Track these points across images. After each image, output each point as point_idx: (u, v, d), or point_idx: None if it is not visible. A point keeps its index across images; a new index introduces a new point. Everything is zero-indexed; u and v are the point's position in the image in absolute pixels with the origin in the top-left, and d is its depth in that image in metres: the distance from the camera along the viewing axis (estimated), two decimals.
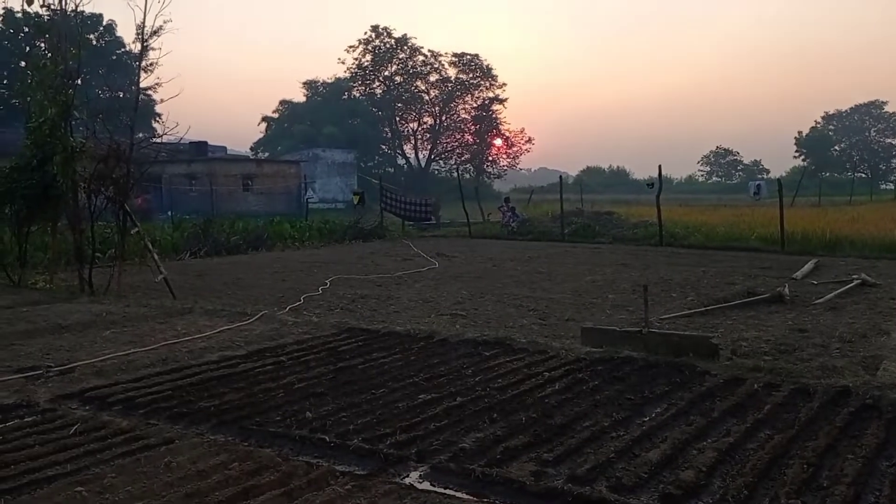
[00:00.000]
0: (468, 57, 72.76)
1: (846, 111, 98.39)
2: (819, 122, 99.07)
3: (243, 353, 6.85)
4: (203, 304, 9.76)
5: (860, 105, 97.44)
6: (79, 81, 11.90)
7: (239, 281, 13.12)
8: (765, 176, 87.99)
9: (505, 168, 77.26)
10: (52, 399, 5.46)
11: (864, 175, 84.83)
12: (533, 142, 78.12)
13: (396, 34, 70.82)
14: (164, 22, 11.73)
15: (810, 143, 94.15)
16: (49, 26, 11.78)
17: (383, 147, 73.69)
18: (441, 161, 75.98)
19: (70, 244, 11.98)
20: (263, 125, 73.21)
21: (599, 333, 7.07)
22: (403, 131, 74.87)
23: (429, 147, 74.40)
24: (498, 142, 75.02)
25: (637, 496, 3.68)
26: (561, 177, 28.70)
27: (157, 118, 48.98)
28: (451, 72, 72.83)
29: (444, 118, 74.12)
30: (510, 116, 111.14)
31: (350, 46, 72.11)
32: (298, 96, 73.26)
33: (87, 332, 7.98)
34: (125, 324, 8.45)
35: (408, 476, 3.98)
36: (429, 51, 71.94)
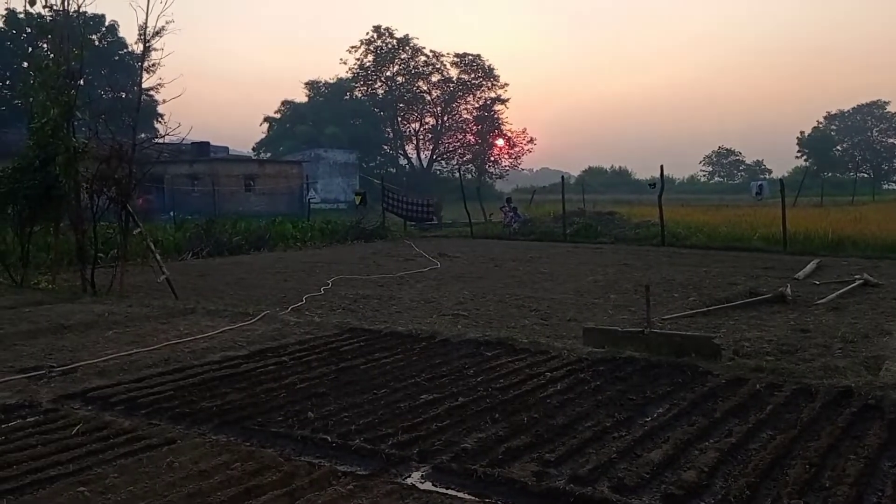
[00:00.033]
0: (470, 57, 72.89)
1: (848, 111, 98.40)
2: (821, 122, 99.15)
3: (245, 354, 6.86)
4: (205, 305, 9.77)
5: (862, 105, 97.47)
6: (81, 82, 11.90)
7: (241, 281, 13.13)
8: (767, 176, 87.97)
9: (507, 168, 77.39)
10: (55, 399, 5.47)
11: (866, 175, 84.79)
12: (535, 142, 78.36)
13: (398, 34, 70.97)
14: (167, 22, 11.78)
15: (812, 143, 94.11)
16: (51, 27, 11.81)
17: (385, 147, 73.77)
18: (443, 161, 76.11)
19: (72, 244, 11.99)
20: (265, 125, 73.41)
21: (601, 334, 7.07)
22: (405, 131, 75.00)
23: (431, 147, 74.50)
24: (500, 142, 75.17)
25: (639, 496, 3.67)
26: (563, 177, 28.72)
27: (160, 119, 48.97)
28: (453, 72, 73.01)
29: (445, 118, 74.21)
30: (512, 117, 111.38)
31: (352, 47, 72.33)
32: (300, 97, 73.49)
33: (90, 333, 7.99)
34: (127, 324, 8.46)
35: (409, 476, 3.98)
36: (431, 51, 72.14)
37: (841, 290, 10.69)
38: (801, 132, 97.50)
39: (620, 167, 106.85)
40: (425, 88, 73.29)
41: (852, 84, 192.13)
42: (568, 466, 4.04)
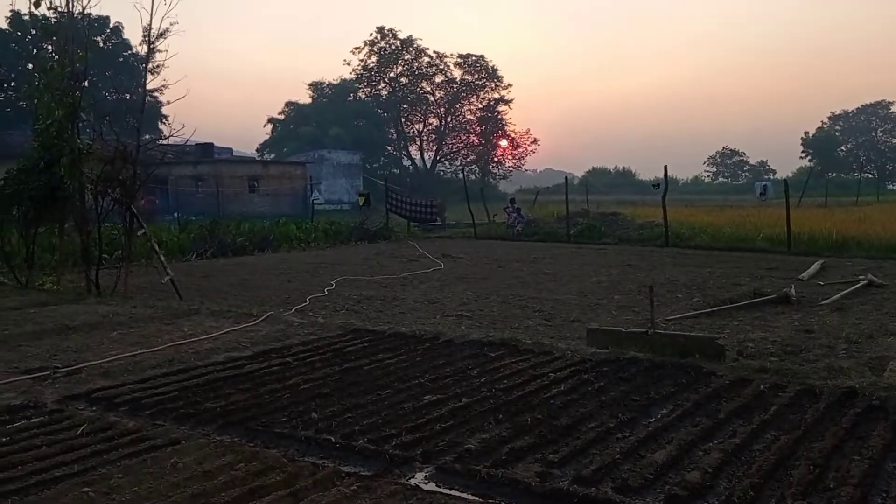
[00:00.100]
0: (473, 58, 72.88)
1: (853, 111, 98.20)
2: (825, 123, 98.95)
3: (249, 354, 6.87)
4: (209, 306, 9.78)
5: (867, 105, 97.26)
6: (86, 83, 11.95)
7: (245, 282, 13.15)
8: (771, 176, 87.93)
9: (510, 169, 77.38)
10: (60, 400, 5.49)
11: (870, 175, 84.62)
12: (538, 143, 78.28)
13: (402, 35, 70.99)
14: (171, 24, 11.82)
15: (817, 144, 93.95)
16: (56, 29, 11.84)
17: (389, 148, 73.82)
18: (446, 162, 76.11)
19: (77, 245, 12.03)
20: (269, 127, 73.50)
21: (605, 334, 7.07)
22: (409, 132, 74.99)
23: (434, 148, 74.50)
24: (503, 143, 75.13)
25: (643, 497, 3.67)
26: (566, 178, 28.68)
27: (164, 120, 49.29)
28: (457, 73, 73.00)
29: (449, 119, 74.20)
30: (515, 117, 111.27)
31: (356, 48, 72.36)
32: (304, 98, 73.54)
33: (94, 334, 8.01)
34: (132, 325, 8.47)
35: (413, 477, 3.98)
36: (434, 52, 72.13)
37: (845, 291, 10.67)
38: (806, 132, 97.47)
39: (624, 168, 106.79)
40: (429, 89, 73.30)
41: (856, 84, 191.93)
42: (571, 467, 4.04)
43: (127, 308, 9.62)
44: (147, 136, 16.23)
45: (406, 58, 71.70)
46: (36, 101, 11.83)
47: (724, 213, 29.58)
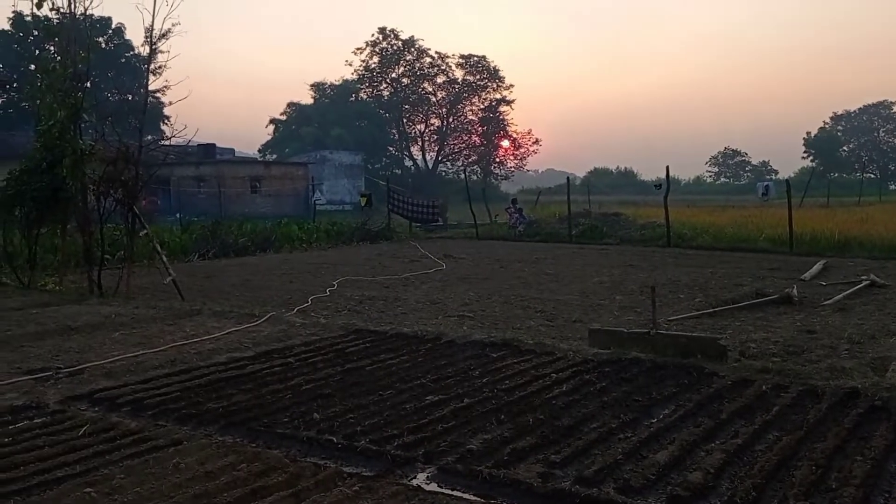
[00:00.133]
0: (475, 58, 72.87)
1: (855, 111, 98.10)
2: (828, 123, 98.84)
3: (251, 355, 6.88)
4: (211, 306, 9.79)
5: (869, 105, 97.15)
6: (88, 84, 11.97)
7: (247, 282, 13.16)
8: (773, 177, 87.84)
9: (512, 169, 77.37)
10: (62, 400, 5.49)
11: (873, 175, 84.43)
12: (540, 143, 78.20)
13: (403, 36, 71.02)
14: (173, 25, 11.86)
15: (819, 144, 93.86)
16: (58, 29, 11.85)
17: (391, 149, 73.83)
18: (448, 163, 76.10)
19: (79, 246, 12.04)
20: (271, 127, 73.58)
21: (607, 335, 7.07)
22: (411, 133, 75.00)
23: (436, 149, 74.52)
24: (505, 143, 75.10)
25: (645, 498, 3.67)
26: (568, 178, 28.71)
27: (166, 121, 49.32)
28: (459, 73, 73.00)
29: (451, 120, 74.21)
30: (517, 118, 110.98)
31: (357, 48, 72.38)
32: (306, 98, 73.60)
33: (97, 334, 8.02)
34: (134, 325, 8.48)
35: (415, 477, 3.98)
36: (436, 52, 72.17)
37: (847, 291, 10.66)
38: (808, 133, 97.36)
39: (626, 168, 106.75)
40: (430, 90, 73.33)
41: (859, 84, 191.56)
42: (573, 468, 4.04)
43: (129, 309, 9.63)
44: (149, 137, 16.24)
45: (408, 58, 71.72)
46: (38, 101, 11.86)
47: (726, 213, 29.56)
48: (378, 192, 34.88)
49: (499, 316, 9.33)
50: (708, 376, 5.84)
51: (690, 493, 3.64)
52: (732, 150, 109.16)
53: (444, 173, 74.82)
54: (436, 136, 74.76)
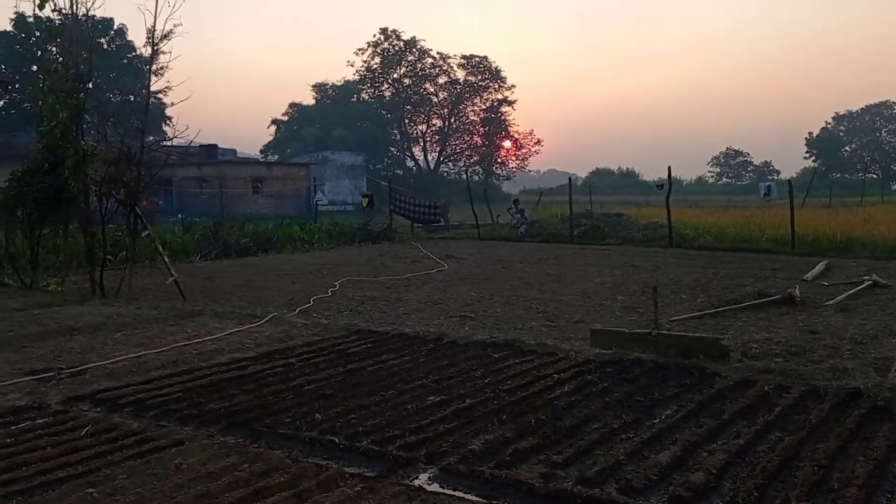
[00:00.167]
0: (477, 59, 72.79)
1: (857, 111, 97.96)
2: (830, 123, 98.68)
3: (253, 355, 6.88)
4: (213, 307, 9.80)
5: (871, 105, 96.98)
6: (90, 85, 11.98)
7: (249, 283, 13.16)
8: (775, 177, 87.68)
9: (514, 170, 77.26)
10: (64, 401, 5.50)
11: (875, 176, 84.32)
12: (542, 143, 78.12)
13: (405, 36, 71.00)
14: (175, 26, 11.84)
15: (821, 144, 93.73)
16: (60, 30, 11.86)
17: (392, 149, 73.79)
18: (450, 163, 76.03)
19: (81, 247, 12.06)
20: (273, 128, 73.57)
21: (609, 335, 7.06)
22: (412, 133, 74.97)
23: (438, 149, 74.46)
24: (507, 143, 75.01)
25: (647, 498, 3.67)
26: (570, 178, 28.70)
27: (168, 121, 49.30)
28: (460, 74, 72.91)
29: (452, 120, 74.17)
30: (519, 118, 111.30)
31: (359, 49, 72.30)
32: (308, 99, 73.56)
33: (99, 335, 8.02)
34: (136, 326, 8.49)
35: (417, 478, 3.98)
36: (437, 53, 72.07)
37: (850, 292, 10.65)
38: (810, 133, 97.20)
39: (628, 168, 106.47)
40: (432, 90, 73.27)
41: (861, 84, 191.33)
42: (575, 468, 4.04)
43: (131, 309, 9.64)
44: (151, 138, 16.27)
45: (409, 59, 71.67)
46: (40, 102, 11.86)
47: (728, 213, 29.52)
48: (380, 193, 34.88)
49: (501, 316, 9.33)
50: (710, 377, 5.84)
51: (692, 494, 3.64)
52: (734, 150, 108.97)
53: (445, 174, 74.76)
54: (437, 137, 74.73)
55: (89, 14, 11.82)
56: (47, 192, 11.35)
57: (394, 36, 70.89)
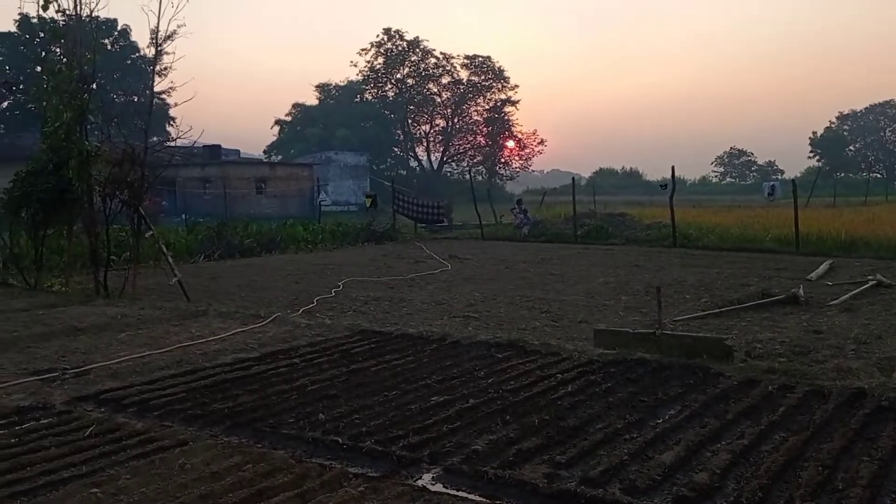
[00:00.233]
0: (480, 59, 72.77)
1: (861, 111, 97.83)
2: (834, 123, 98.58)
3: (257, 356, 6.89)
4: (217, 307, 9.81)
5: (875, 105, 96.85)
6: (94, 86, 11.98)
7: (252, 283, 13.17)
8: (779, 176, 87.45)
9: (517, 170, 77.23)
10: (68, 401, 5.51)
11: (879, 175, 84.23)
12: (545, 143, 78.09)
13: (408, 37, 71.01)
14: (178, 26, 11.85)
15: (825, 144, 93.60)
16: (64, 31, 11.88)
17: (396, 149, 73.81)
18: (453, 163, 76.04)
19: (85, 247, 12.08)
20: (276, 128, 73.60)
21: (612, 335, 7.06)
22: (416, 134, 74.99)
23: (441, 149, 74.46)
24: (510, 143, 74.99)
25: (650, 498, 3.67)
26: (573, 178, 28.64)
27: (171, 122, 49.19)
28: (463, 74, 72.90)
29: (456, 120, 74.16)
30: (522, 118, 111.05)
31: (362, 49, 72.34)
32: (311, 99, 73.60)
33: (103, 335, 8.04)
34: (140, 326, 8.51)
35: (420, 478, 3.98)
36: (441, 53, 72.06)
37: (854, 291, 10.62)
38: (814, 132, 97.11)
39: (631, 168, 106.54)
40: (435, 90, 73.26)
41: (865, 84, 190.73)
42: (579, 468, 4.03)
43: (135, 309, 9.66)
44: (155, 138, 16.28)
45: (413, 59, 71.67)
46: (44, 103, 11.88)
47: (732, 213, 29.48)
48: (383, 193, 34.95)
49: (504, 316, 9.32)
50: (714, 377, 5.83)
51: (696, 494, 3.63)
52: (738, 150, 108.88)
53: (449, 174, 74.77)
54: (441, 137, 74.72)
55: (93, 15, 11.88)
56: (51, 193, 11.38)
57: (397, 36, 70.93)
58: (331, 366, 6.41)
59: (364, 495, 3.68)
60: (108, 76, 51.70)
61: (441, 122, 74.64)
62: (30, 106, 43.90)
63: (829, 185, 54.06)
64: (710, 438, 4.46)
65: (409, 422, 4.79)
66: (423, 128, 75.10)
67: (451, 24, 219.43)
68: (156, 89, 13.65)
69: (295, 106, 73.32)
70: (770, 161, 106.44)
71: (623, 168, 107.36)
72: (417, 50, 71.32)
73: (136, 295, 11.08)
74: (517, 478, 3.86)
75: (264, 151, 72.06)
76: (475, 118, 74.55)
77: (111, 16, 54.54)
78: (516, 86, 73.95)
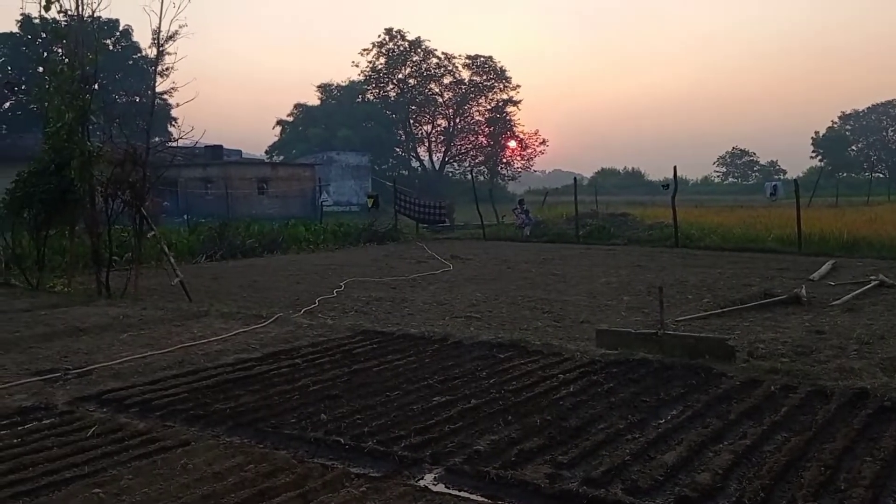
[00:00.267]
0: (482, 59, 72.80)
1: (863, 111, 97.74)
2: (836, 122, 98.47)
3: (258, 356, 6.89)
4: (219, 307, 9.81)
5: (877, 104, 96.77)
6: (96, 86, 11.99)
7: (254, 284, 13.18)
8: (781, 176, 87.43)
9: (519, 170, 77.24)
10: (70, 401, 5.51)
11: (881, 175, 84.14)
12: (547, 143, 78.11)
13: (410, 37, 71.04)
14: (180, 27, 11.86)
15: (827, 144, 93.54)
16: (66, 32, 11.89)
17: (397, 150, 73.84)
18: (455, 163, 76.07)
19: (87, 248, 12.09)
20: (278, 129, 73.67)
21: (614, 335, 7.05)
22: (417, 134, 75.02)
23: (443, 149, 74.49)
24: (512, 144, 75.01)
25: (652, 499, 3.66)
26: (575, 178, 28.63)
27: (173, 122, 49.34)
28: (465, 74, 72.93)
29: (457, 120, 74.18)
30: (524, 118, 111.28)
31: (364, 49, 72.38)
32: (313, 100, 73.66)
33: (105, 335, 8.04)
34: (142, 326, 8.51)
35: (422, 478, 3.98)
36: (442, 53, 72.10)
37: (856, 292, 10.61)
38: (816, 132, 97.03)
39: (633, 168, 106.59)
40: (437, 90, 73.29)
41: (867, 84, 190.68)
42: (581, 468, 4.03)
43: (137, 310, 9.67)
44: (157, 139, 16.30)
45: (414, 59, 71.69)
46: (46, 104, 11.90)
47: (735, 213, 29.46)
48: (385, 194, 34.93)
49: (506, 317, 9.32)
50: (716, 377, 5.83)
51: (699, 494, 3.63)
52: (740, 149, 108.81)
53: (450, 174, 74.81)
54: (442, 137, 74.74)
55: (95, 15, 11.87)
56: (53, 194, 11.39)
57: (398, 36, 70.96)
58: (333, 366, 6.41)
59: (366, 495, 3.68)
60: (110, 76, 51.76)
61: (443, 123, 74.71)
62: (32, 106, 43.98)
63: (832, 185, 53.99)
64: (712, 439, 4.45)
65: (411, 422, 4.79)
66: (425, 128, 75.16)
67: (453, 24, 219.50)
68: (158, 90, 13.69)
69: (297, 106, 73.42)
70: (772, 161, 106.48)
71: (625, 168, 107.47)
72: (419, 50, 71.36)
73: (138, 295, 11.09)
74: (519, 478, 3.85)
75: (266, 152, 72.18)
76: (477, 118, 74.59)
77: (113, 16, 54.69)
78: (518, 86, 74.07)
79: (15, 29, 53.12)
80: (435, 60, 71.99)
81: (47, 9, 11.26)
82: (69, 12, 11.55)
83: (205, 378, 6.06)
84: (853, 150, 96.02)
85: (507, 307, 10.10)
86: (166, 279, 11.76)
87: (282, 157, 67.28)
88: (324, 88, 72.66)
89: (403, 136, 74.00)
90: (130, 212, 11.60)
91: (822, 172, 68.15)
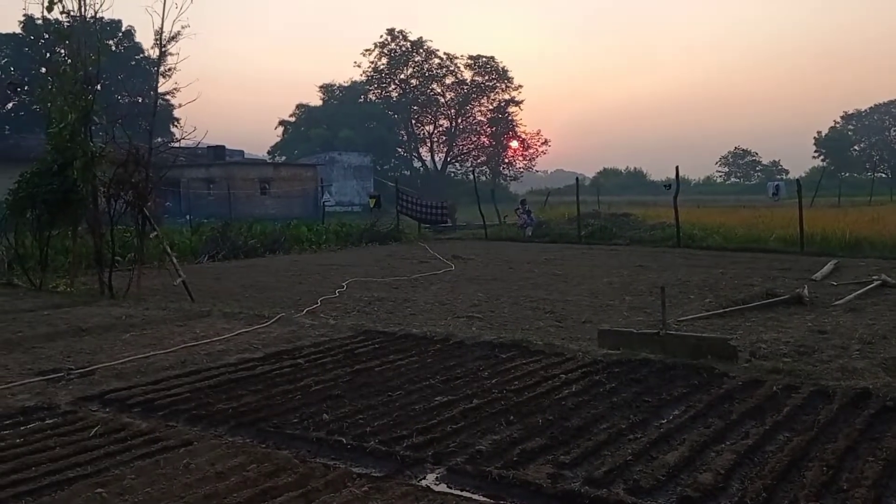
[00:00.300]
0: (484, 59, 72.85)
1: (865, 111, 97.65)
2: (838, 122, 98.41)
3: (261, 356, 6.90)
4: (221, 307, 9.82)
5: (880, 104, 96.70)
6: (98, 87, 12.01)
7: (256, 284, 13.18)
8: (784, 176, 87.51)
9: (521, 170, 77.31)
10: (73, 401, 5.52)
11: (884, 175, 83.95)
12: (549, 143, 78.21)
13: (412, 37, 71.08)
14: (182, 27, 11.89)
15: (829, 144, 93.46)
16: (69, 32, 11.91)
17: (399, 150, 73.90)
18: (457, 163, 76.13)
19: (90, 248, 12.10)
20: (280, 129, 73.80)
21: (616, 335, 7.05)
22: (419, 134, 75.06)
23: (445, 150, 74.53)
24: (514, 144, 75.08)
25: (655, 499, 3.66)
26: (577, 179, 28.62)
27: (176, 123, 49.52)
28: (467, 74, 73.01)
29: (459, 121, 74.22)
30: (526, 118, 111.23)
31: (366, 50, 72.47)
32: (315, 100, 73.80)
33: (107, 335, 8.05)
34: (144, 327, 8.52)
35: (424, 478, 3.99)
36: (444, 53, 72.20)
37: (858, 291, 10.60)
38: (818, 132, 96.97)
39: (635, 168, 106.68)
40: (439, 91, 73.34)
41: (869, 84, 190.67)
42: (583, 468, 4.03)
43: (140, 310, 9.68)
44: (159, 139, 16.33)
45: (416, 59, 71.75)
46: (49, 104, 11.92)
47: (737, 213, 29.42)
48: (387, 194, 34.91)
49: (508, 317, 9.32)
50: (718, 377, 5.82)
51: (700, 494, 3.63)
52: (743, 149, 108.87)
53: (452, 174, 74.84)
54: (444, 137, 74.79)
55: (97, 16, 11.88)
56: (56, 194, 11.40)
57: (400, 36, 71.05)
58: (335, 366, 6.41)
59: (368, 495, 3.68)
60: (113, 77, 51.81)
61: (445, 123, 74.77)
62: (34, 107, 44.02)
63: (834, 185, 53.96)
64: (714, 439, 4.45)
65: (413, 422, 4.79)
66: (427, 128, 75.20)
67: (455, 25, 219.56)
68: (160, 90, 13.72)
69: (299, 107, 73.53)
70: (774, 161, 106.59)
71: (627, 168, 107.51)
72: (421, 50, 71.42)
73: (141, 295, 11.10)
74: (521, 478, 3.86)
75: (268, 152, 72.28)
76: (479, 118, 74.65)
77: (116, 17, 54.86)
78: (520, 86, 74.11)
79: (18, 30, 53.32)
80: (437, 61, 72.09)
81: (50, 10, 11.30)
82: (72, 13, 11.58)
83: (207, 378, 6.07)
84: (855, 150, 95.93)
85: (509, 307, 10.10)
86: (169, 279, 11.77)
87: (284, 158, 67.34)
88: (326, 89, 72.78)
89: (405, 137, 74.06)
90: (133, 212, 11.62)
91: (824, 172, 68.14)
